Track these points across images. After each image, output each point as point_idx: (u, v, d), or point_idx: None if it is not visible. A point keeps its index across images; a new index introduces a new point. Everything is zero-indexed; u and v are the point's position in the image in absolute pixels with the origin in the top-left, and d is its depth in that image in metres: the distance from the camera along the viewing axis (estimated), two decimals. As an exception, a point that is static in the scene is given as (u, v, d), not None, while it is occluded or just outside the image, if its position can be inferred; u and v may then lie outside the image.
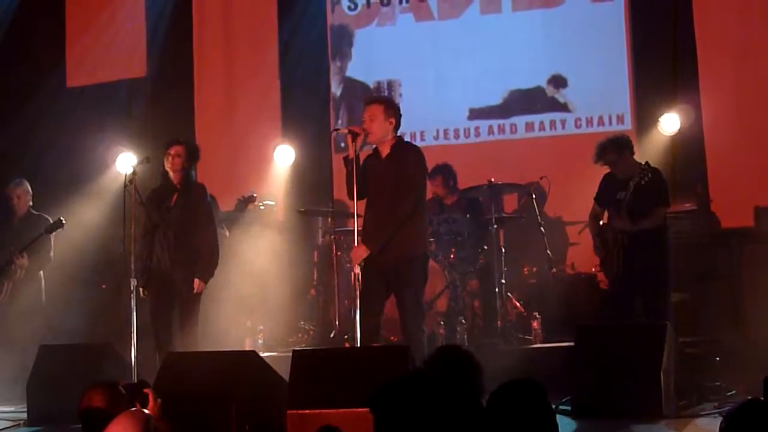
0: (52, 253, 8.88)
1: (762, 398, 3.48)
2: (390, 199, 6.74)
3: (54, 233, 8.67)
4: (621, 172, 7.72)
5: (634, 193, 7.47)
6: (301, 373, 5.77)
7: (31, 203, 9.05)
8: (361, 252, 6.74)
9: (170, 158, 7.55)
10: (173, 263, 7.45)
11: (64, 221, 8.61)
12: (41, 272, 8.87)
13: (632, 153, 7.78)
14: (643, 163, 7.58)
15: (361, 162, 6.88)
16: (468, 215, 8.94)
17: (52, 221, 8.67)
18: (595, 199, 7.94)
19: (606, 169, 7.83)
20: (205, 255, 7.54)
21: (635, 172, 7.51)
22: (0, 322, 8.50)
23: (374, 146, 6.97)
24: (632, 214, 7.55)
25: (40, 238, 8.62)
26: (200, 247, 7.52)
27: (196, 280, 7.41)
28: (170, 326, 7.44)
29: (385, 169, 6.81)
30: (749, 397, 3.43)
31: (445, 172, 9.33)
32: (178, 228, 7.49)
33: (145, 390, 4.52)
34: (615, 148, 7.72)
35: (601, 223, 7.79)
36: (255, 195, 9.18)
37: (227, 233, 8.82)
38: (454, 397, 3.20)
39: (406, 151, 6.90)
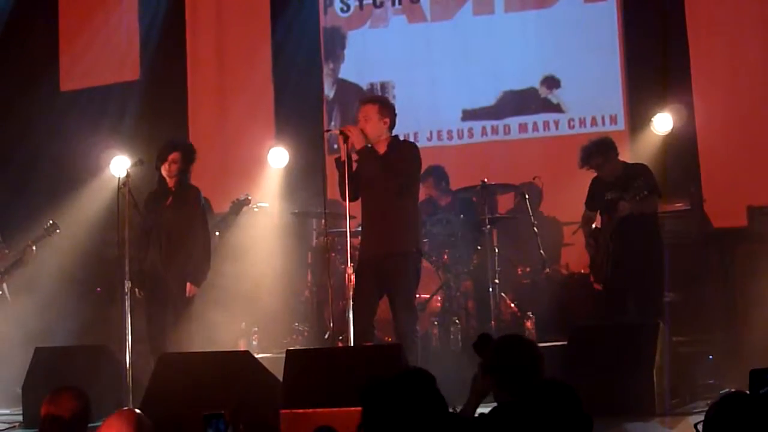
0: None
1: (747, 391, 3.49)
2: (387, 196, 6.76)
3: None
4: (608, 174, 7.77)
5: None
6: (294, 373, 5.79)
7: None
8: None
9: (167, 165, 7.57)
10: (166, 265, 7.47)
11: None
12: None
13: (617, 154, 7.84)
14: (627, 161, 7.80)
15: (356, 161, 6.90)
16: (461, 216, 8.95)
17: None
18: (585, 204, 7.99)
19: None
20: (196, 258, 7.55)
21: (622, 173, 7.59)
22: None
23: (369, 145, 6.97)
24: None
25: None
26: (192, 249, 7.53)
27: (188, 284, 7.42)
28: (164, 327, 7.44)
29: (382, 167, 6.81)
30: (732, 390, 3.46)
31: (436, 173, 9.34)
32: (171, 230, 7.52)
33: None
34: (600, 152, 7.75)
35: (593, 226, 7.84)
36: (250, 198, 9.19)
37: (216, 234, 8.81)
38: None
39: (403, 147, 6.95)
